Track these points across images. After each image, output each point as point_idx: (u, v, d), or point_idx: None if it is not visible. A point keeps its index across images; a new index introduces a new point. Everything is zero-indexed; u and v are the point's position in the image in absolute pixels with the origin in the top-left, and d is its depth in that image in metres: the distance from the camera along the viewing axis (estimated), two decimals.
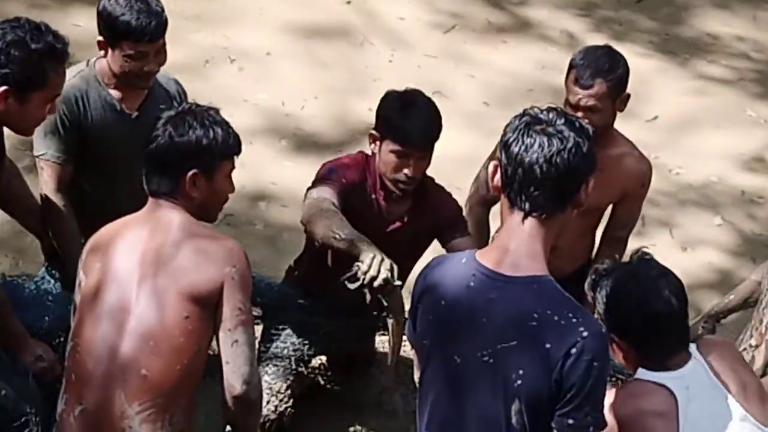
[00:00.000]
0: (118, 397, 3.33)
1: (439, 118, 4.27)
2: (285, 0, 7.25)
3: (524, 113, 2.76)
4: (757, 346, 4.14)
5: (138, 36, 4.01)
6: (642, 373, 3.18)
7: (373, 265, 3.90)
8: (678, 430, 3.11)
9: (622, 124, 4.38)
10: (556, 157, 2.65)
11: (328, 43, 6.97)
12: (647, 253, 3.31)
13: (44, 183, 4.22)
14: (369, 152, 4.43)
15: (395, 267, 3.95)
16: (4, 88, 3.43)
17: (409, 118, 4.19)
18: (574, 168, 2.69)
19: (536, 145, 2.66)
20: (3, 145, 3.90)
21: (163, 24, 4.11)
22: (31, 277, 4.56)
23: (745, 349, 4.13)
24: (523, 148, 2.68)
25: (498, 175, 2.75)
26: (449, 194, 4.49)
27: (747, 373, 3.35)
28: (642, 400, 3.14)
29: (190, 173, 3.30)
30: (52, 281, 4.44)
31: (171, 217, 3.41)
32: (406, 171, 4.17)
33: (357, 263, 3.94)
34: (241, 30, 6.98)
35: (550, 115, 2.73)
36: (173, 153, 3.35)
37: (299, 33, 6.97)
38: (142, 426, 3.31)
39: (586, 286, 3.33)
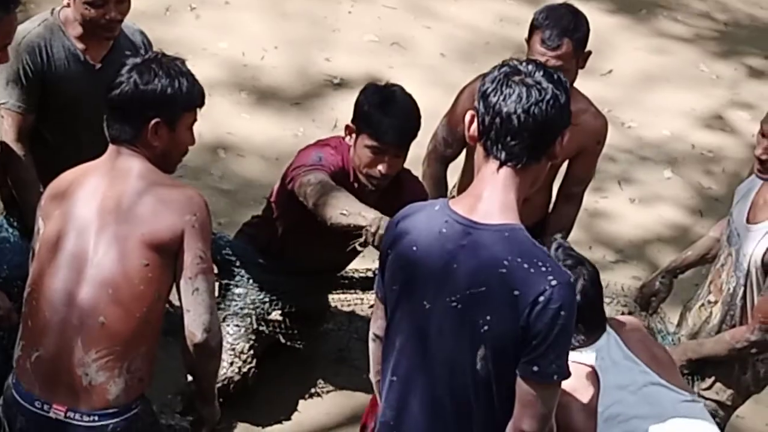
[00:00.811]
0: (75, 344, 3.32)
1: (418, 116, 4.27)
2: None
3: (503, 64, 2.77)
4: (715, 302, 4.17)
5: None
6: (573, 356, 3.18)
7: (381, 226, 3.88)
8: (597, 396, 3.25)
9: (579, 80, 4.30)
10: (534, 108, 2.68)
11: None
12: (563, 243, 3.37)
13: (4, 132, 4.22)
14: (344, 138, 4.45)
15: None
16: None
17: (388, 115, 4.20)
18: (552, 119, 2.71)
19: (515, 95, 2.68)
20: None
21: None
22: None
23: (703, 304, 4.23)
24: (501, 97, 2.70)
25: (474, 125, 2.75)
26: (421, 184, 4.53)
27: (656, 346, 3.55)
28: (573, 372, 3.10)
29: (152, 122, 3.26)
30: (10, 229, 4.41)
31: (131, 164, 3.39)
32: (380, 167, 4.21)
33: (366, 227, 3.95)
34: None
35: (529, 67, 2.75)
36: (137, 101, 3.30)
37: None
38: (98, 373, 3.31)
39: None
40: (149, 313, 3.36)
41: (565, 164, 4.53)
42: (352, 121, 4.24)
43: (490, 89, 2.71)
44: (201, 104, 3.47)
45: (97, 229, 3.33)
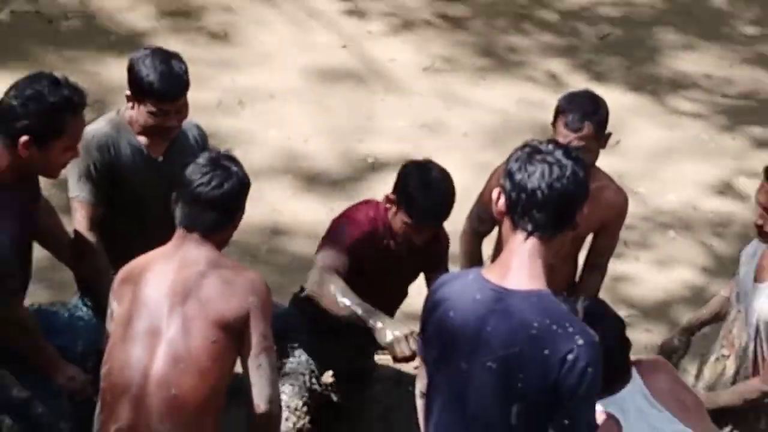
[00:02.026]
0: (151, 416, 3.47)
1: (454, 194, 4.36)
2: (286, 45, 7.28)
3: (526, 144, 2.91)
4: (728, 356, 4.24)
5: (160, 96, 4.15)
6: None
7: (402, 347, 4.09)
8: None
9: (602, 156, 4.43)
10: (556, 183, 2.82)
11: (327, 83, 6.99)
12: (599, 301, 3.59)
13: (77, 222, 4.29)
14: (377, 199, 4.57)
15: (413, 334, 4.01)
16: (25, 138, 3.56)
17: (426, 199, 4.28)
18: (572, 193, 2.87)
19: (538, 173, 2.84)
20: (38, 187, 4.05)
21: (184, 85, 4.23)
22: (65, 304, 4.57)
23: (717, 358, 4.35)
24: (526, 175, 2.84)
25: (502, 200, 2.90)
26: (446, 234, 4.61)
27: (683, 389, 3.53)
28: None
29: (237, 215, 3.60)
30: (84, 309, 4.48)
31: (198, 250, 3.54)
32: (416, 239, 4.32)
33: (386, 343, 4.14)
34: (244, 66, 7.02)
35: (550, 146, 2.91)
36: (234, 196, 3.56)
37: (297, 74, 7.01)
38: None
39: None
40: (216, 386, 3.51)
41: (590, 237, 4.64)
42: (393, 192, 4.31)
43: (515, 168, 2.87)
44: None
45: (168, 309, 3.48)
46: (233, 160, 3.68)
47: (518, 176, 2.86)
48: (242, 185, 3.62)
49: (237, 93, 6.79)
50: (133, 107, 4.20)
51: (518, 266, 2.90)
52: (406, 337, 4.14)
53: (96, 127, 4.27)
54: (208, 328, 3.48)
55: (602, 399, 3.25)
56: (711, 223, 6.27)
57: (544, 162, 2.86)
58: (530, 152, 2.88)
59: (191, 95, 4.54)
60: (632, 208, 4.75)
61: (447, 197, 4.34)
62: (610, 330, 3.31)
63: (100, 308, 4.15)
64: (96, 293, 4.34)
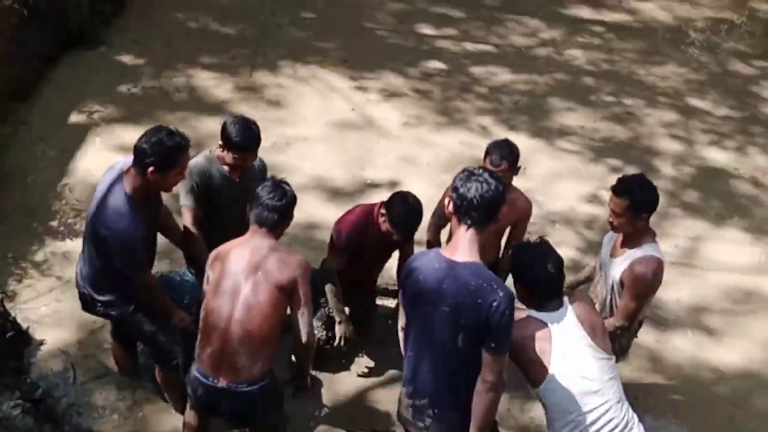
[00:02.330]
0: (232, 344, 3.64)
1: (421, 216, 4.39)
2: (315, 108, 7.19)
3: (465, 170, 3.15)
4: (595, 304, 4.03)
5: (243, 151, 4.24)
6: (531, 313, 3.38)
7: (339, 333, 4.60)
8: (550, 348, 3.29)
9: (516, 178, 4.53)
10: (485, 194, 3.05)
11: (341, 133, 6.93)
12: (543, 238, 3.51)
13: (185, 220, 4.42)
14: (374, 201, 4.67)
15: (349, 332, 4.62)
16: (151, 169, 3.66)
17: (407, 222, 4.33)
18: (495, 200, 3.08)
19: (473, 188, 3.06)
20: (161, 199, 4.14)
21: (257, 144, 4.29)
22: (178, 272, 4.71)
23: None
24: (466, 189, 3.07)
25: (451, 206, 3.12)
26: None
27: (596, 317, 3.52)
28: (524, 329, 3.31)
29: (288, 219, 3.79)
30: (190, 275, 4.63)
31: (264, 240, 3.69)
32: (396, 237, 4.37)
33: (336, 330, 4.66)
34: (288, 121, 6.97)
35: (480, 170, 3.14)
36: (289, 207, 3.78)
37: (324, 127, 6.97)
38: (245, 359, 3.65)
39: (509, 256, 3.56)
40: (274, 325, 3.69)
41: (508, 228, 4.68)
42: (386, 210, 4.38)
43: (458, 184, 3.10)
44: None
45: (244, 277, 3.64)
46: (287, 183, 3.85)
47: (461, 190, 3.09)
48: (293, 199, 3.82)
49: (284, 139, 6.74)
50: (222, 150, 4.31)
51: (462, 247, 3.11)
52: (344, 331, 4.61)
53: (197, 160, 4.39)
54: (270, 289, 3.64)
55: (540, 312, 3.37)
56: (583, 220, 6.27)
57: (477, 181, 3.08)
58: (468, 174, 3.13)
59: None
60: (533, 210, 4.80)
61: (417, 217, 4.40)
62: (548, 257, 3.38)
63: (199, 274, 4.30)
64: (197, 265, 4.47)
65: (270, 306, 3.65)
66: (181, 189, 4.37)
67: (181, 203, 4.42)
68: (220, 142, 4.31)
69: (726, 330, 5.45)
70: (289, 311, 3.74)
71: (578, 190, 6.57)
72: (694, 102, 7.85)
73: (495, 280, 3.10)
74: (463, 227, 3.12)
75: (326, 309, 4.81)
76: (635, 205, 3.88)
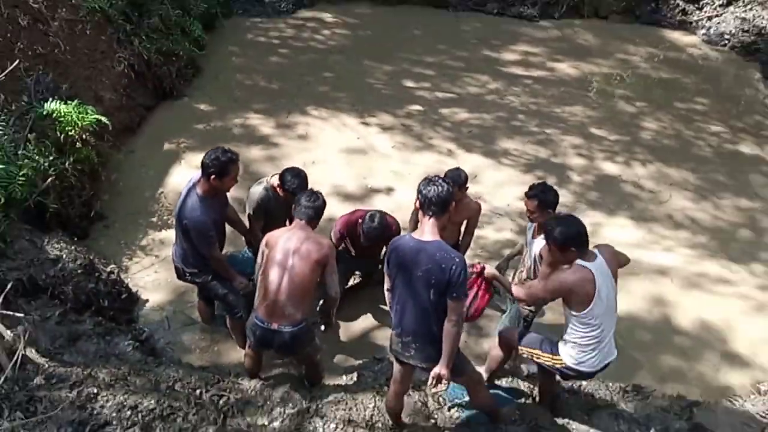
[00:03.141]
0: (283, 299, 3.70)
1: (385, 233, 4.37)
2: (332, 138, 7.07)
3: (426, 177, 3.20)
4: (523, 271, 4.21)
5: (294, 193, 4.15)
6: (578, 262, 3.29)
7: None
8: (595, 288, 3.24)
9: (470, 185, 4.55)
10: (440, 194, 3.08)
11: (351, 155, 6.86)
12: (569, 216, 3.37)
13: (250, 225, 4.46)
14: (374, 203, 4.87)
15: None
16: (212, 177, 3.75)
17: (369, 234, 4.42)
18: (447, 197, 3.11)
19: (432, 190, 3.10)
20: (227, 200, 4.16)
21: (305, 188, 4.23)
22: (241, 252, 4.73)
23: (521, 271, 4.29)
24: (427, 191, 3.11)
25: (417, 203, 3.17)
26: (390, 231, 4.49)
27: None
28: (576, 274, 3.27)
29: (320, 216, 3.97)
30: (249, 253, 4.63)
31: (303, 230, 3.81)
32: (363, 242, 4.47)
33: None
34: (313, 147, 6.86)
35: (436, 177, 3.18)
36: (321, 209, 3.97)
37: (336, 151, 6.86)
38: (292, 309, 3.71)
39: (544, 233, 3.34)
40: (311, 287, 3.79)
41: (465, 222, 4.64)
42: (361, 220, 4.46)
43: (422, 188, 3.14)
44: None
45: (292, 254, 3.74)
46: (319, 193, 4.01)
47: (423, 191, 3.13)
48: (323, 204, 3.98)
49: (310, 160, 6.63)
50: (279, 187, 4.34)
51: (427, 231, 3.14)
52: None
53: (259, 190, 4.40)
54: (310, 263, 3.72)
55: (586, 263, 3.28)
56: (518, 212, 6.09)
57: (434, 184, 3.13)
58: (428, 181, 3.17)
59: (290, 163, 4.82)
60: (485, 207, 4.90)
61: (378, 231, 4.40)
62: (577, 221, 3.31)
63: (254, 254, 4.27)
64: (254, 247, 4.45)
65: (309, 273, 3.72)
66: (248, 206, 4.44)
67: (248, 215, 4.47)
68: (279, 182, 4.34)
69: (618, 286, 5.47)
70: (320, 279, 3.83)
71: (515, 192, 6.45)
72: (594, 131, 7.84)
73: (452, 251, 3.13)
74: (426, 217, 3.14)
75: (345, 272, 4.84)
76: (542, 204, 3.92)
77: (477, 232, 5.61)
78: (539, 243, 3.94)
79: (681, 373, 4.65)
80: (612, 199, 6.67)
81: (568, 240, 3.27)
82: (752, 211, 6.67)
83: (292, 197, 4.29)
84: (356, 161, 6.80)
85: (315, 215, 3.90)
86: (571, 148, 7.52)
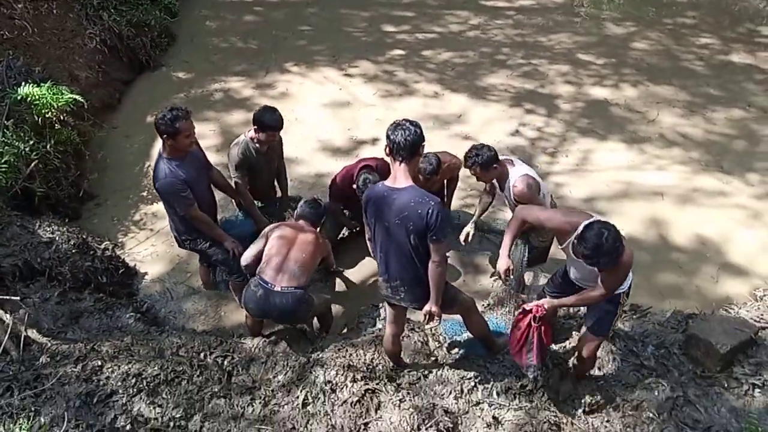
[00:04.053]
0: (289, 265, 3.90)
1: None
2: (314, 93, 6.98)
3: (394, 122, 3.11)
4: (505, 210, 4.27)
5: (273, 129, 4.26)
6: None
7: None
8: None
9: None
10: (408, 137, 3.00)
11: (334, 107, 6.78)
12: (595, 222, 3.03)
13: (236, 185, 4.39)
14: (362, 155, 4.80)
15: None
16: (164, 137, 3.71)
17: (363, 190, 4.13)
18: (415, 140, 3.03)
19: (399, 133, 3.03)
20: (202, 160, 4.07)
21: (283, 124, 4.30)
22: (235, 216, 4.68)
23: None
24: (395, 135, 3.03)
25: (387, 149, 3.09)
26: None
27: None
28: (629, 252, 3.07)
29: (321, 219, 4.42)
30: (241, 216, 4.61)
31: (304, 226, 4.11)
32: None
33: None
34: (295, 105, 6.75)
35: (403, 121, 3.08)
36: (320, 215, 4.38)
37: (320, 105, 6.78)
38: (297, 273, 3.86)
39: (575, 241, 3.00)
40: (312, 265, 3.98)
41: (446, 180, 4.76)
42: (355, 177, 4.39)
43: (389, 132, 3.08)
44: None
45: (298, 234, 3.99)
46: (320, 201, 4.28)
47: (391, 137, 3.06)
48: (324, 211, 4.29)
49: (294, 116, 6.59)
50: (256, 132, 4.29)
51: (399, 177, 3.10)
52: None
53: (239, 144, 4.34)
54: (312, 246, 3.98)
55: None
56: (508, 148, 6.07)
57: (402, 128, 3.06)
58: (396, 125, 3.10)
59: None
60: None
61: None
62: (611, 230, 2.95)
63: (247, 215, 4.51)
64: (245, 209, 4.56)
65: (312, 251, 3.99)
66: (230, 167, 4.39)
67: (232, 174, 4.41)
68: (254, 127, 4.28)
69: (612, 210, 5.51)
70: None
71: (503, 128, 6.50)
72: (582, 56, 7.77)
73: (427, 195, 3.10)
74: (397, 163, 3.09)
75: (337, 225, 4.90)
76: (483, 165, 4.01)
77: (467, 171, 5.72)
78: (509, 192, 4.07)
79: (679, 288, 4.71)
80: (602, 124, 6.64)
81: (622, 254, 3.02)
82: (745, 121, 6.64)
83: (272, 137, 4.33)
84: (340, 114, 6.75)
85: (317, 219, 4.28)
86: (558, 77, 7.47)
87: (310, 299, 3.98)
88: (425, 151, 3.27)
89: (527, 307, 3.40)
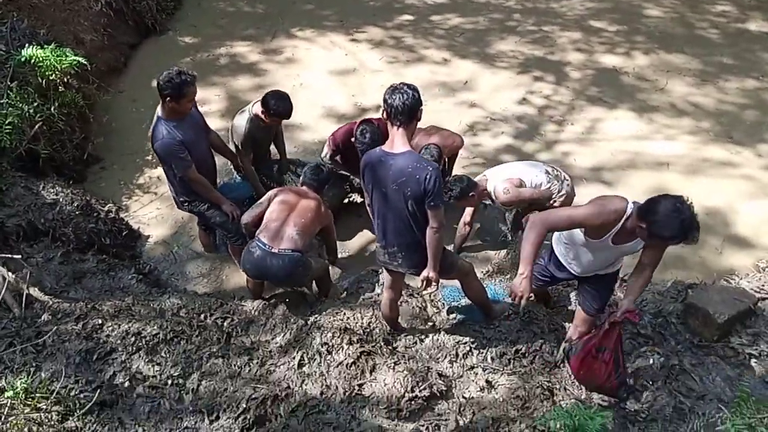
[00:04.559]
0: (289, 227, 3.93)
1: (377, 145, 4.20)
2: (320, 58, 6.96)
3: (391, 85, 3.04)
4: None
5: (280, 118, 4.33)
6: None
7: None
8: None
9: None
10: (406, 101, 2.97)
11: (340, 74, 6.75)
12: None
13: (239, 152, 4.42)
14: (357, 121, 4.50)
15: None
16: (168, 98, 3.70)
17: (367, 149, 4.07)
18: (413, 104, 2.99)
19: (397, 97, 2.98)
20: (200, 124, 4.10)
21: (291, 114, 4.30)
22: (233, 180, 4.77)
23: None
24: (392, 99, 2.99)
25: (384, 114, 3.05)
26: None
27: None
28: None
29: (324, 187, 4.33)
30: (240, 179, 4.70)
31: (307, 191, 4.11)
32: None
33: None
34: (301, 70, 6.76)
35: (401, 84, 3.04)
36: (323, 182, 4.30)
37: (326, 71, 6.76)
38: (296, 236, 3.90)
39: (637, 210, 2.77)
40: (312, 230, 4.03)
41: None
42: (355, 134, 4.31)
43: (386, 96, 3.03)
44: None
45: (300, 199, 4.02)
46: (322, 167, 4.28)
47: (389, 101, 3.01)
48: (327, 177, 4.25)
49: (299, 81, 6.63)
50: (263, 113, 4.30)
51: (397, 142, 3.06)
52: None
53: (243, 120, 4.35)
54: (312, 212, 4.01)
55: None
56: (516, 116, 6.08)
57: (400, 92, 3.00)
58: (393, 89, 3.04)
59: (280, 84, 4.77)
60: (482, 112, 4.87)
61: (374, 144, 4.01)
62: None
63: (247, 178, 4.57)
64: (244, 173, 4.61)
65: (312, 216, 4.02)
66: (236, 138, 4.40)
67: (237, 143, 4.43)
68: (262, 109, 4.27)
69: (617, 179, 5.47)
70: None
71: (511, 96, 6.43)
72: (594, 23, 7.66)
73: (424, 161, 3.09)
74: (395, 128, 3.05)
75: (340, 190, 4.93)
76: (459, 198, 4.16)
77: (474, 139, 5.78)
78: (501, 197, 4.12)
79: (683, 259, 4.65)
80: (612, 92, 6.54)
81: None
82: (759, 91, 6.51)
83: (279, 121, 4.36)
84: (346, 80, 6.71)
85: (319, 186, 4.19)
86: (569, 44, 7.36)
87: (307, 263, 3.99)
88: (422, 119, 3.19)
89: (617, 319, 3.02)
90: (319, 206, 4.06)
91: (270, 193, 4.11)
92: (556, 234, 3.38)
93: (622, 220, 2.92)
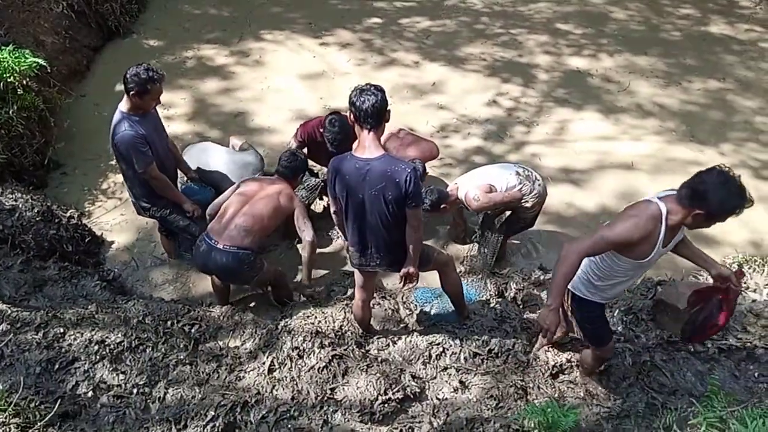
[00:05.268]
0: (238, 223, 3.84)
1: (347, 136, 4.14)
2: (289, 60, 6.91)
3: (357, 87, 3.02)
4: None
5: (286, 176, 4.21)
6: None
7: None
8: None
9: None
10: (375, 104, 2.94)
11: (309, 77, 6.70)
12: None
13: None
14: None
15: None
16: (132, 93, 3.64)
17: (334, 141, 4.22)
18: (381, 106, 2.97)
19: (366, 99, 2.95)
20: (157, 121, 4.01)
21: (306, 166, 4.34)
22: (193, 183, 4.56)
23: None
24: (360, 102, 2.96)
25: (352, 117, 3.01)
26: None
27: None
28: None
29: (299, 176, 4.29)
30: (197, 187, 4.51)
31: (281, 183, 4.03)
32: (330, 149, 4.24)
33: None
34: (269, 73, 6.70)
35: (367, 86, 3.01)
36: (296, 170, 4.24)
37: (294, 74, 6.70)
38: (242, 233, 3.80)
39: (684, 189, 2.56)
40: (269, 225, 3.92)
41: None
42: (323, 126, 4.34)
43: (354, 99, 3.00)
44: None
45: (259, 191, 3.94)
46: (297, 154, 4.20)
47: (357, 103, 2.97)
48: (302, 164, 4.20)
49: (266, 83, 6.60)
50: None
51: (369, 146, 3.03)
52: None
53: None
54: (273, 203, 3.93)
55: None
56: (485, 118, 6.14)
57: (367, 94, 2.98)
58: (360, 91, 3.00)
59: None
60: (451, 114, 4.81)
61: (345, 138, 4.19)
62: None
63: (202, 184, 4.48)
64: (202, 179, 4.54)
65: (271, 210, 3.90)
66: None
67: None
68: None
69: (585, 180, 5.54)
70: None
71: (480, 98, 6.47)
72: (561, 26, 7.74)
73: (402, 162, 3.08)
74: (365, 131, 3.02)
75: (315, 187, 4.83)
76: (432, 210, 4.22)
77: (444, 141, 5.78)
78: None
79: None
80: (579, 94, 6.63)
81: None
82: (722, 92, 6.66)
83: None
84: (315, 83, 6.68)
85: (291, 174, 4.13)
86: (537, 47, 7.42)
87: (254, 262, 3.90)
88: (391, 122, 3.17)
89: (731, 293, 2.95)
90: (279, 194, 3.93)
91: (240, 181, 4.05)
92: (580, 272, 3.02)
93: (664, 222, 2.69)
